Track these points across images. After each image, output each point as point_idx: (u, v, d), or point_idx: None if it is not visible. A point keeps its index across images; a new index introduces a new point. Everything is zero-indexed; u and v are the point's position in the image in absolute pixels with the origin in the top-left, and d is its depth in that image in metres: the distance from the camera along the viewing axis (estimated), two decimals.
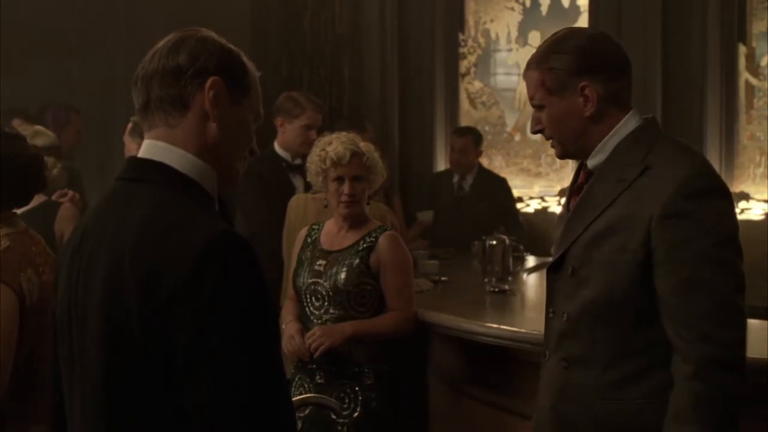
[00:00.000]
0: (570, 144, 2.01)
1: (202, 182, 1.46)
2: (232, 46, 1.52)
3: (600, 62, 1.96)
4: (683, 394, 1.82)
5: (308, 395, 3.02)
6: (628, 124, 1.97)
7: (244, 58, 1.53)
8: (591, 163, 2.01)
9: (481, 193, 5.48)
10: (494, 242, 3.90)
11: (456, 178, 5.62)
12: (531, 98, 2.02)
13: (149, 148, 1.47)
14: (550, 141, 2.04)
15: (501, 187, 5.63)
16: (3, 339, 2.16)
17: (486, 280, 3.89)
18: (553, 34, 2.04)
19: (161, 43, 1.48)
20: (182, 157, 1.45)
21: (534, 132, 2.06)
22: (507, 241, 3.93)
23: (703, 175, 1.88)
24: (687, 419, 1.81)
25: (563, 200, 2.23)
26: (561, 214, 2.13)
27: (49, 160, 3.65)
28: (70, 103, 5.44)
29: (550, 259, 2.10)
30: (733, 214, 1.89)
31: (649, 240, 1.85)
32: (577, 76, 1.93)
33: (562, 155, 2.05)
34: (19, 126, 3.89)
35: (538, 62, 1.98)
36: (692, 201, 1.83)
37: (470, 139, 5.58)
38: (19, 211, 2.44)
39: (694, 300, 1.82)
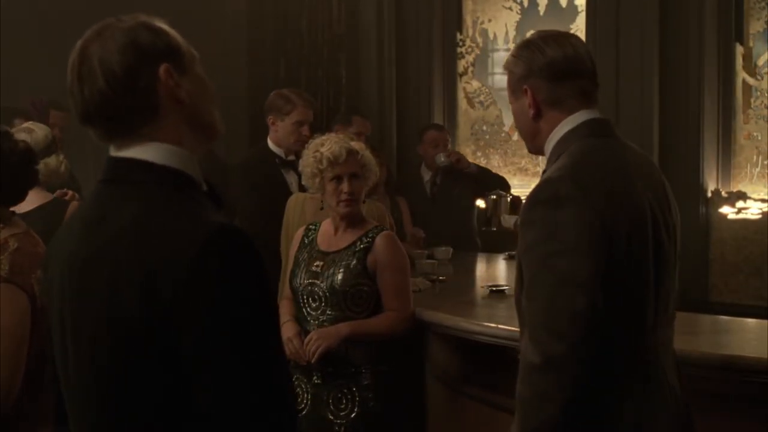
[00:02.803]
0: (527, 141, 2.17)
1: (186, 169, 1.44)
2: (136, 21, 1.45)
3: (543, 68, 2.06)
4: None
5: None
6: (564, 127, 2.06)
7: (158, 24, 1.47)
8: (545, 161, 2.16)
9: (457, 182, 5.43)
10: (494, 197, 4.42)
11: (428, 176, 5.55)
12: None
13: (125, 146, 1.44)
14: None
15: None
16: (18, 342, 2.16)
17: (483, 228, 4.31)
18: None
19: (84, 68, 1.42)
20: (160, 149, 1.43)
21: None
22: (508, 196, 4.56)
23: (549, 183, 1.93)
24: (516, 412, 1.93)
25: None
26: None
27: (51, 159, 3.63)
28: (51, 99, 5.34)
29: None
30: (577, 223, 1.88)
31: None
32: (523, 80, 2.08)
33: (529, 150, 2.21)
34: (18, 125, 3.86)
35: (505, 64, 2.16)
36: (534, 209, 1.93)
37: (446, 133, 5.68)
38: (26, 210, 2.42)
39: (530, 305, 1.91)
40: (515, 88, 2.10)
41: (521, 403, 1.90)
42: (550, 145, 2.07)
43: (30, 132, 3.66)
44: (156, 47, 1.43)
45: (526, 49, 2.09)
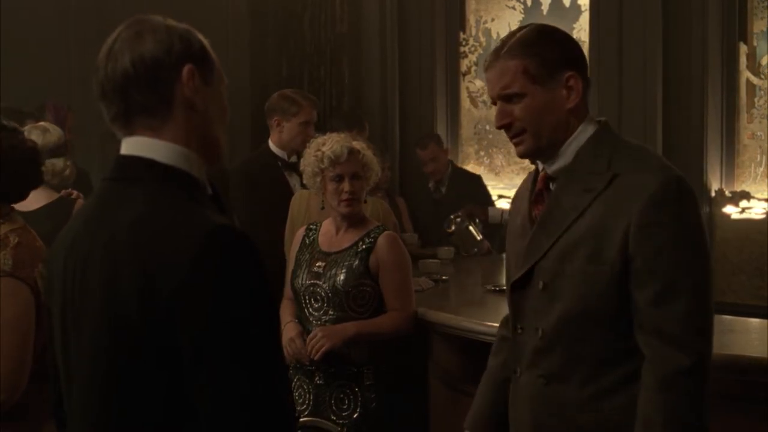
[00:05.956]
0: (545, 137, 1.93)
1: (191, 170, 1.45)
2: (178, 25, 1.48)
3: (581, 59, 1.96)
4: (650, 401, 1.82)
5: (306, 419, 2.99)
6: (586, 129, 1.94)
7: (198, 35, 1.50)
8: (552, 168, 1.97)
9: (459, 194, 5.45)
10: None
11: (431, 183, 5.61)
12: (505, 87, 1.92)
13: (134, 144, 1.45)
14: (514, 138, 1.96)
15: (476, 184, 5.66)
16: (23, 335, 2.17)
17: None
18: (517, 30, 1.99)
19: (116, 47, 1.45)
20: (169, 149, 1.44)
21: (499, 127, 1.96)
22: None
23: (672, 182, 1.85)
24: (654, 425, 1.81)
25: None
26: (522, 224, 2.05)
27: (59, 161, 3.72)
28: (67, 101, 5.41)
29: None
30: (702, 219, 1.90)
31: (626, 250, 1.84)
32: (566, 66, 1.90)
33: (532, 150, 1.96)
34: (29, 125, 3.91)
35: (522, 49, 1.90)
36: (666, 211, 1.83)
37: (434, 146, 5.59)
38: (34, 209, 2.43)
39: (669, 309, 1.82)
40: (549, 74, 1.89)
41: (672, 409, 1.80)
42: (571, 149, 1.93)
43: (44, 131, 3.72)
44: (189, 49, 1.45)
45: (552, 35, 1.93)
